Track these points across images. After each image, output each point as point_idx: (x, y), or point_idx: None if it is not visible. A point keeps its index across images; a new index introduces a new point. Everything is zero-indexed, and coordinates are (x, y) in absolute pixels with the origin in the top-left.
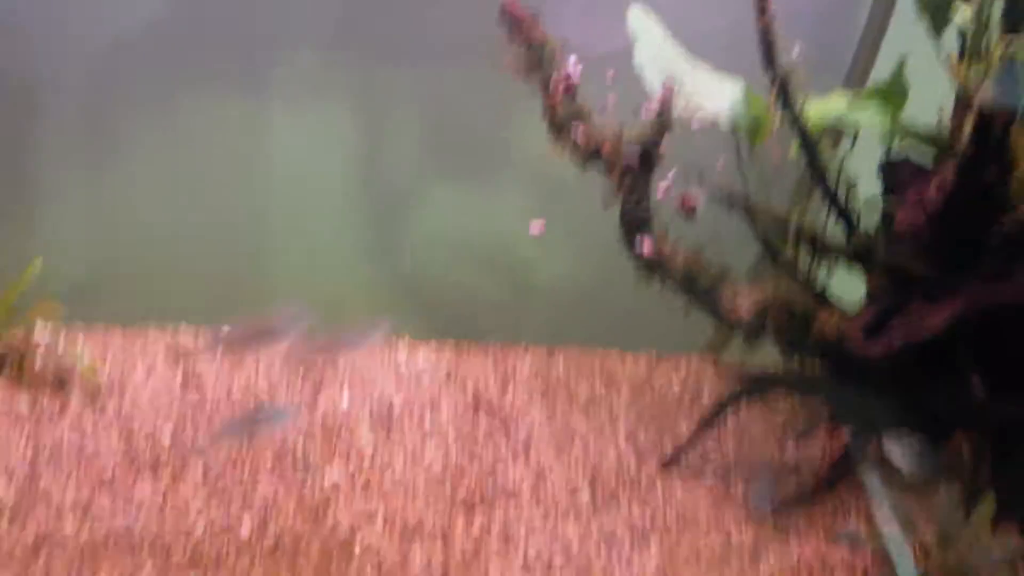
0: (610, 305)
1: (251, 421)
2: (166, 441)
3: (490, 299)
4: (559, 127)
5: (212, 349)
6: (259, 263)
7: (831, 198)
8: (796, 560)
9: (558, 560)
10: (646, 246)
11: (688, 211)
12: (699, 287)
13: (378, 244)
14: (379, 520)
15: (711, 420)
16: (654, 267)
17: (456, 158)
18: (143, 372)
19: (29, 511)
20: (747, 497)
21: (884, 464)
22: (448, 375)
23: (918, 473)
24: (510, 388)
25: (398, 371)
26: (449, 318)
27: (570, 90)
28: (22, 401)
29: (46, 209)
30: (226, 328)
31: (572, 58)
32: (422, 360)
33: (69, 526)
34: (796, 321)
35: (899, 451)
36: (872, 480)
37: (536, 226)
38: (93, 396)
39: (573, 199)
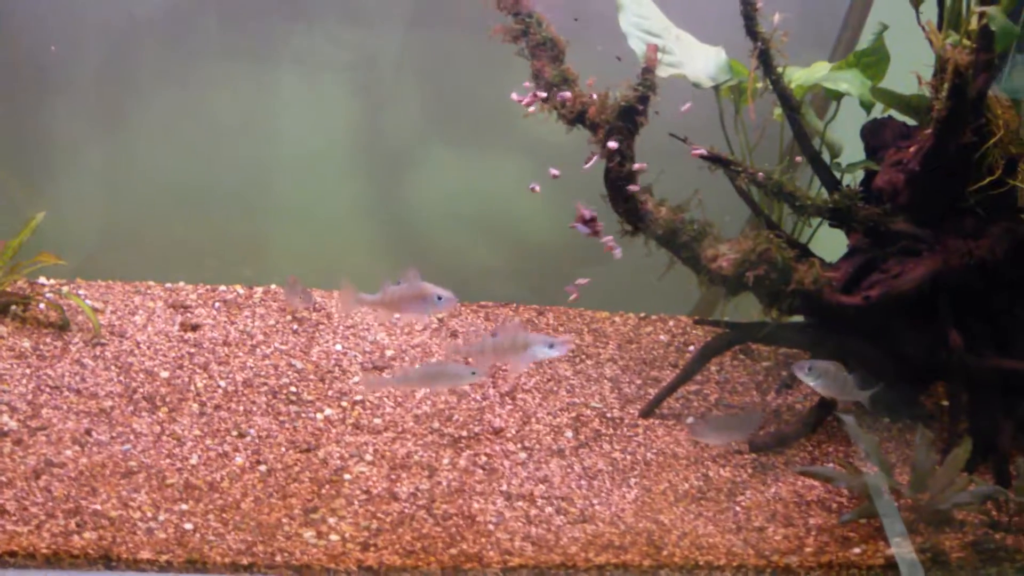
0: (602, 270)
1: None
2: (164, 380)
3: (484, 264)
4: (546, 92)
5: (378, 302)
6: (259, 225)
7: (813, 158)
8: (772, 496)
9: (540, 493)
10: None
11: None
12: (680, 242)
13: (375, 208)
14: (368, 454)
15: (692, 368)
16: (638, 222)
17: (451, 124)
18: (142, 319)
19: (31, 439)
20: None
21: (860, 409)
22: (440, 326)
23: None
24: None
25: (390, 322)
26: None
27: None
28: (25, 341)
29: (54, 175)
30: (390, 285)
31: None
32: None
33: (68, 453)
34: (776, 274)
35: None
36: (849, 425)
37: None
38: (93, 339)
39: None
